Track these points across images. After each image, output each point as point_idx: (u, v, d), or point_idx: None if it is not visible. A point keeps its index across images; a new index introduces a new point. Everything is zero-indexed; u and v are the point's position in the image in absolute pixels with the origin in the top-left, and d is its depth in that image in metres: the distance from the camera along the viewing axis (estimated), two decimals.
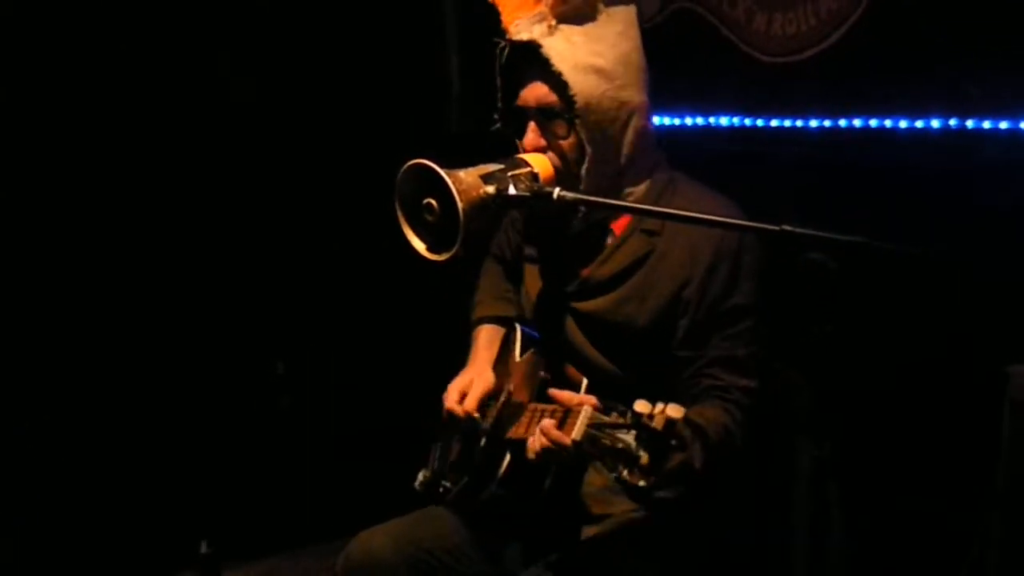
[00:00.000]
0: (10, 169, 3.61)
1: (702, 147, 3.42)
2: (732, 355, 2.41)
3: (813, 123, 3.14)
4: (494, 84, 2.56)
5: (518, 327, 2.70)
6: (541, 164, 2.42)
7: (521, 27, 2.48)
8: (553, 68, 2.39)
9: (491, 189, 2.28)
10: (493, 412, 2.56)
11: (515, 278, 2.77)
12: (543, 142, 2.46)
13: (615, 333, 2.49)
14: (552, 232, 2.59)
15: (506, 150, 2.52)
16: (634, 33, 2.52)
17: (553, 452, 2.22)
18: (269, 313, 4.07)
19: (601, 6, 2.49)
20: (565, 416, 2.23)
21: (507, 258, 2.82)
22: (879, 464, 2.97)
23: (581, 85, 2.39)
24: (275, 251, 4.05)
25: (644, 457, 1.98)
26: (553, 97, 2.43)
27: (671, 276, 2.45)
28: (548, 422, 2.24)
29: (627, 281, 2.49)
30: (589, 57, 2.42)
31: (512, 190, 2.29)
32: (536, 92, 2.46)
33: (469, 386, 2.59)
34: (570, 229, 2.52)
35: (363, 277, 4.17)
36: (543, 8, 2.48)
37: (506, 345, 2.73)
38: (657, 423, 1.96)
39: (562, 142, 2.44)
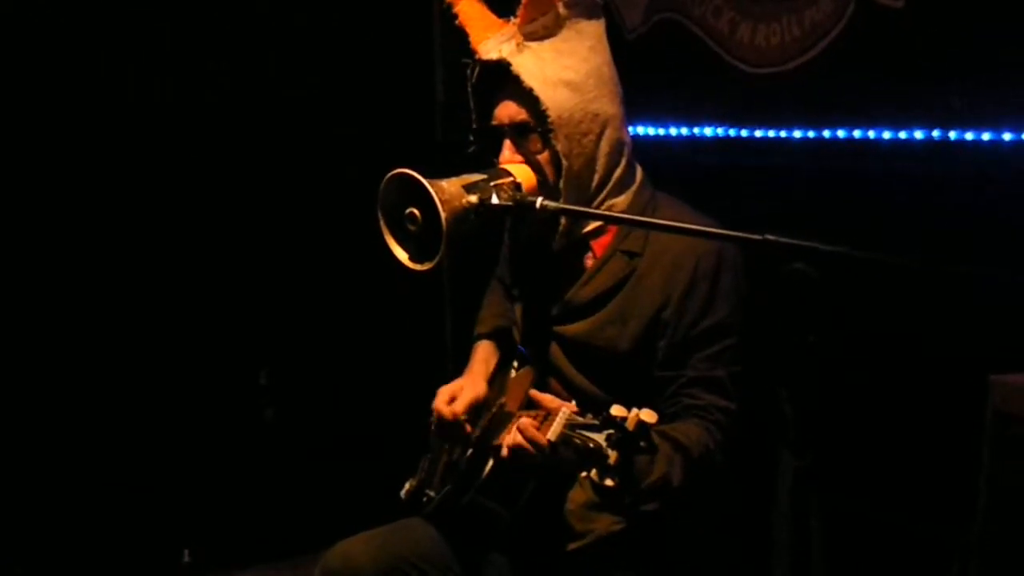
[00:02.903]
0: None
1: (686, 157, 3.44)
2: (711, 375, 2.41)
3: (797, 133, 3.15)
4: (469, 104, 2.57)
5: (518, 347, 2.71)
6: (524, 174, 2.42)
7: (490, 46, 2.49)
8: (524, 84, 2.40)
9: (474, 199, 2.28)
10: (483, 422, 2.56)
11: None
12: (519, 159, 2.46)
13: (597, 357, 2.49)
14: (535, 252, 2.59)
15: (487, 162, 2.52)
16: (603, 47, 2.52)
17: (528, 451, 2.23)
18: (252, 323, 4.06)
19: (570, 22, 2.49)
20: (545, 418, 2.24)
21: (507, 282, 2.83)
22: (861, 475, 2.98)
23: (553, 99, 2.40)
24: (258, 261, 4.04)
25: (613, 456, 2.01)
26: (524, 114, 2.44)
27: (650, 298, 2.45)
28: (526, 420, 2.25)
29: (607, 304, 2.49)
30: (559, 72, 2.42)
31: (495, 200, 2.29)
32: (508, 110, 2.47)
33: (459, 391, 2.59)
34: (551, 247, 2.52)
35: (347, 287, 4.17)
36: (511, 27, 2.50)
37: (504, 363, 2.74)
38: (629, 424, 2.00)
39: (538, 157, 2.45)
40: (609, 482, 2.03)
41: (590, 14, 2.52)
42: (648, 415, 2.00)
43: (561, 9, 2.48)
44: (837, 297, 2.30)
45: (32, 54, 3.61)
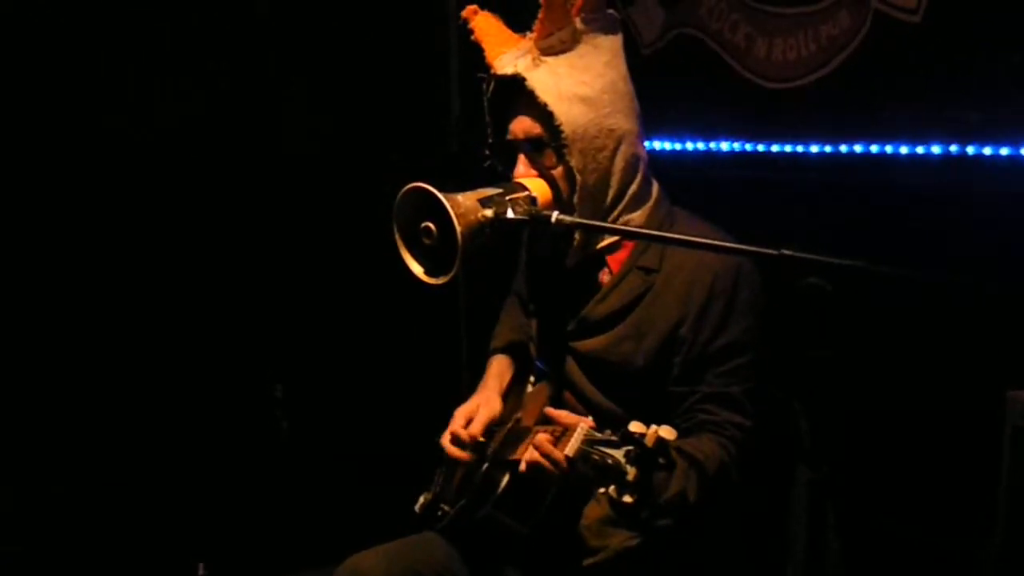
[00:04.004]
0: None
1: (703, 172, 3.43)
2: (726, 392, 2.40)
3: (813, 148, 3.15)
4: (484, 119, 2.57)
5: (534, 361, 2.70)
6: (539, 188, 2.42)
7: (505, 61, 2.49)
8: (538, 99, 2.40)
9: (489, 213, 2.28)
10: (499, 437, 2.56)
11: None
12: (534, 173, 2.46)
13: (613, 372, 2.49)
14: (551, 267, 2.58)
15: (501, 176, 2.52)
16: (620, 62, 2.52)
17: (545, 467, 2.23)
18: (268, 336, 4.06)
19: (587, 37, 2.49)
20: (562, 434, 2.24)
21: (524, 296, 2.83)
22: (879, 489, 2.96)
23: (567, 115, 2.39)
24: (274, 273, 4.04)
25: (632, 472, 2.01)
26: (539, 129, 2.44)
27: (667, 315, 2.44)
28: (543, 437, 2.25)
29: (624, 320, 2.48)
30: (574, 87, 2.42)
31: (510, 214, 2.29)
32: (523, 125, 2.47)
33: (475, 412, 2.59)
34: (567, 261, 2.51)
35: (362, 300, 4.17)
36: (527, 42, 2.50)
37: (520, 377, 2.73)
38: (648, 440, 2.00)
39: (552, 172, 2.45)
40: (628, 498, 2.02)
41: (608, 29, 2.52)
42: (667, 432, 2.00)
43: (578, 24, 2.48)
44: (853, 311, 2.30)
45: (32, 55, 3.61)
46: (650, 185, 2.55)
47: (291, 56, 4.07)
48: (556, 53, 2.47)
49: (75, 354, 3.74)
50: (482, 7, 2.60)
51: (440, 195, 2.25)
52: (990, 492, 2.45)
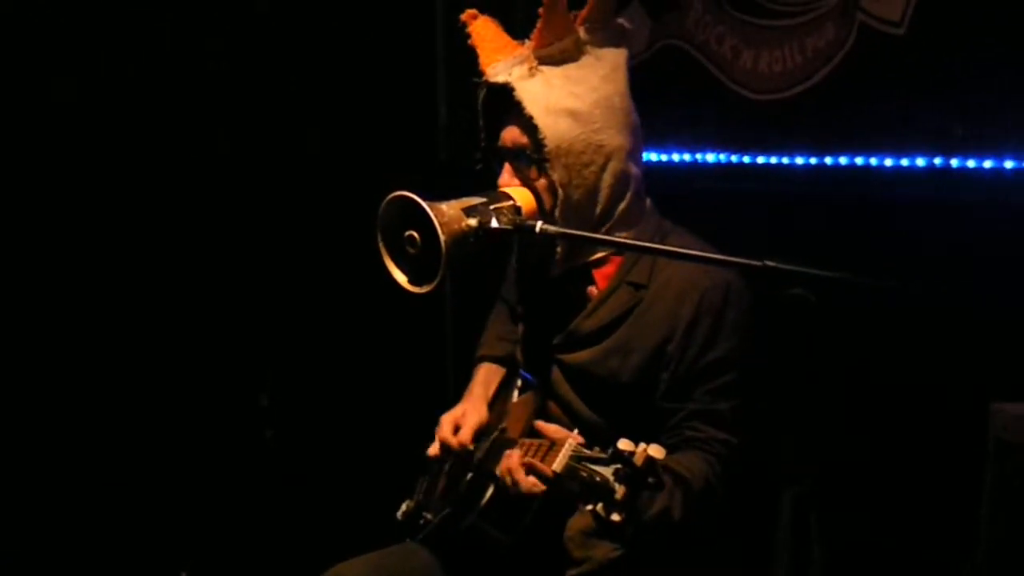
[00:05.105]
0: None
1: (688, 183, 3.43)
2: (713, 409, 2.40)
3: (799, 160, 3.15)
4: (477, 122, 2.56)
5: (520, 370, 2.70)
6: (524, 198, 2.41)
7: (498, 69, 2.47)
8: (525, 111, 2.39)
9: (473, 222, 2.27)
10: (484, 446, 2.55)
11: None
12: (517, 183, 2.45)
13: (599, 386, 2.49)
14: (539, 277, 2.58)
15: (493, 180, 2.51)
16: (619, 77, 2.49)
17: (532, 483, 2.22)
18: (253, 345, 4.05)
19: (590, 48, 2.47)
20: (550, 449, 2.23)
21: (511, 303, 2.82)
22: (864, 502, 2.96)
23: (552, 129, 2.38)
24: (259, 282, 4.03)
25: (620, 491, 1.99)
26: (525, 140, 2.43)
27: (655, 331, 2.44)
28: (526, 457, 2.25)
29: (612, 335, 2.48)
30: (565, 100, 2.40)
31: (494, 223, 2.28)
32: (511, 134, 2.46)
33: (462, 418, 2.58)
34: (551, 273, 2.50)
35: (347, 308, 4.16)
36: (525, 50, 2.47)
37: (506, 386, 2.72)
38: (637, 459, 1.97)
39: (536, 184, 2.44)
40: (616, 517, 2.00)
41: (612, 41, 2.50)
42: (656, 451, 1.98)
43: (582, 33, 2.46)
44: (837, 323, 2.30)
45: (32, 54, 3.60)
46: (642, 203, 2.53)
47: (291, 56, 4.06)
48: (556, 63, 2.45)
49: (59, 361, 3.73)
50: (481, 12, 2.57)
51: (424, 204, 2.24)
52: (975, 504, 2.45)
